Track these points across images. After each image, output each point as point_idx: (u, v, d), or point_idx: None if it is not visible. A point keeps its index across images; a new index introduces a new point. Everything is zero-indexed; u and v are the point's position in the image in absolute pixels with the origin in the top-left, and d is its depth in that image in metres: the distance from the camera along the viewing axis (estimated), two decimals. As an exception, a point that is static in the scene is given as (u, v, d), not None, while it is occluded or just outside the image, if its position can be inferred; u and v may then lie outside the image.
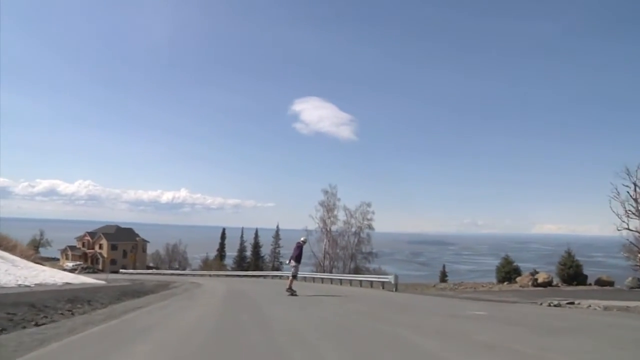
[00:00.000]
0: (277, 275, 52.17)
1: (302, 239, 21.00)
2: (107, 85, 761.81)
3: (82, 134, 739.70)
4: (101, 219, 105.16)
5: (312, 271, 58.07)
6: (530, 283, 27.00)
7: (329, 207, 66.71)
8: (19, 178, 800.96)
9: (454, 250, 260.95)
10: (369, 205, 68.40)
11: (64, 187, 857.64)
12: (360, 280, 34.28)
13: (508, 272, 31.81)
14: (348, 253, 66.74)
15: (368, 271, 64.11)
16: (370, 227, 67.46)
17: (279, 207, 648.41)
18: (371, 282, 32.69)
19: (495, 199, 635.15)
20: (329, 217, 66.66)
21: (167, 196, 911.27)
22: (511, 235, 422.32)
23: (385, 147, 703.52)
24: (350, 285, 34.71)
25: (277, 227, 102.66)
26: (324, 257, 64.83)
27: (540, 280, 27.06)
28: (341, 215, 68.18)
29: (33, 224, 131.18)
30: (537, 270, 32.22)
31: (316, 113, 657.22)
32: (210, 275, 62.12)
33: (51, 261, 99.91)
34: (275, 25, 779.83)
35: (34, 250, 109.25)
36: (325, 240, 65.70)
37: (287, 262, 21.54)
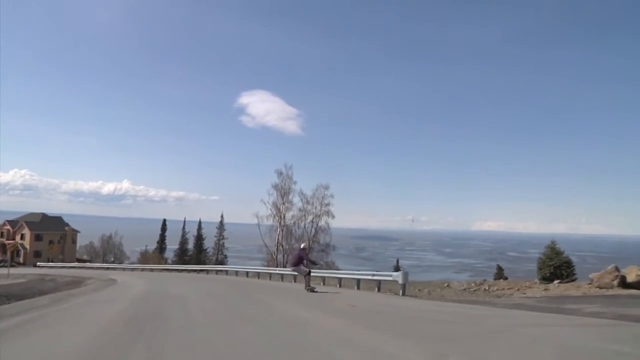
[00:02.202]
0: (221, 270, 40.71)
1: (302, 245, 20.92)
2: (44, 73, 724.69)
3: (18, 121, 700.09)
4: (38, 211, 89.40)
5: (264, 266, 47.00)
6: (615, 283, 16.90)
7: (283, 191, 55.17)
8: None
9: (397, 245, 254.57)
10: (326, 188, 57.03)
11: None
12: (340, 279, 23.60)
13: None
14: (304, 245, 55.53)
15: (328, 266, 53.52)
16: (329, 213, 56.21)
17: (224, 201, 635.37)
18: (357, 280, 22.12)
19: (438, 197, 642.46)
20: (284, 203, 55.13)
21: (108, 187, 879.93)
22: (453, 231, 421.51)
23: (330, 143, 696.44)
24: (323, 284, 24.24)
25: (222, 216, 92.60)
26: (277, 250, 53.44)
27: (630, 278, 17.01)
28: (296, 201, 56.79)
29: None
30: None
31: (263, 106, 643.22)
32: (142, 270, 49.84)
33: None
34: (223, 17, 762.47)
35: None
36: (279, 229, 54.28)
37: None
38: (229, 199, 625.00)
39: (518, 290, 18.90)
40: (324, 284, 24.50)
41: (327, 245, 56.95)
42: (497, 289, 19.60)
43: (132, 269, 51.42)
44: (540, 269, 22.73)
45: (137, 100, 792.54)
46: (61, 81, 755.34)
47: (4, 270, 47.82)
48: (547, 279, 21.25)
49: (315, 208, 55.85)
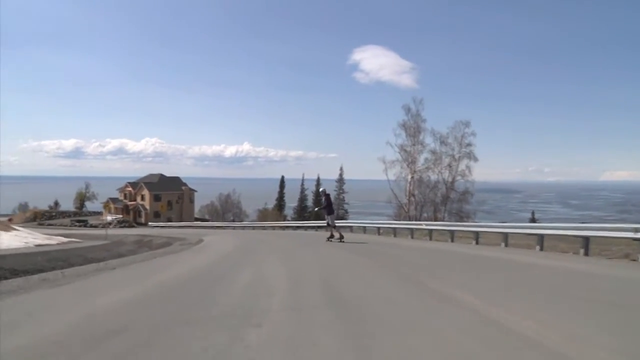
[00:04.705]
0: (346, 226, 30.64)
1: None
2: (167, 43, 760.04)
3: (147, 92, 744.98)
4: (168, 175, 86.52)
5: (394, 220, 36.35)
6: None
7: (412, 130, 43.67)
8: (91, 138, 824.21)
9: (519, 197, 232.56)
10: (467, 125, 44.86)
11: (132, 146, 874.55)
12: (541, 236, 12.67)
13: None
14: (440, 193, 44.03)
15: (470, 218, 41.92)
16: (470, 155, 44.08)
17: (342, 158, 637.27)
18: (586, 239, 11.31)
19: (562, 146, 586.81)
20: (414, 144, 43.75)
21: (230, 150, 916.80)
22: (579, 182, 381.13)
23: (447, 94, 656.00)
24: (452, 240, 13.73)
25: (341, 169, 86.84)
26: (409, 201, 42.54)
27: None
28: (428, 142, 45.10)
29: (102, 182, 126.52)
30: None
31: (376, 62, 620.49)
32: (252, 228, 41.39)
33: (95, 215, 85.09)
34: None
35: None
36: (409, 176, 43.18)
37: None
38: (347, 156, 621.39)
39: None
40: (452, 240, 13.63)
41: (465, 192, 44.97)
42: None
43: (243, 227, 43.32)
44: None
45: (252, 62, 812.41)
46: (180, 52, 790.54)
47: (117, 231, 42.73)
48: None
49: (453, 149, 44.05)
